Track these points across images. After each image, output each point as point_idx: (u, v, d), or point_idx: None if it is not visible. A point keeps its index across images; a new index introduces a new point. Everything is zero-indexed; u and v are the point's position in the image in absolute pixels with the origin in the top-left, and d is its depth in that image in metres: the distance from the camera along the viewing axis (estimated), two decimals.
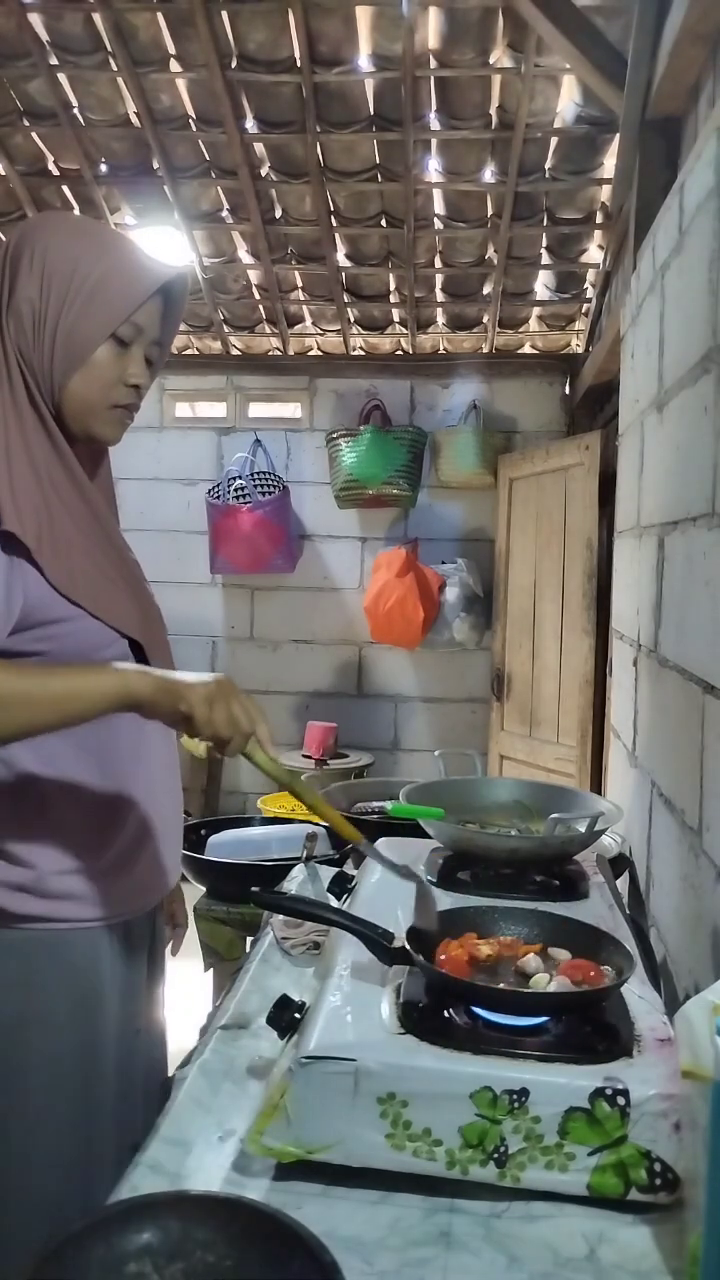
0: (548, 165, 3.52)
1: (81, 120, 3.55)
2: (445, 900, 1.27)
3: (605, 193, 3.55)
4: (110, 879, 1.23)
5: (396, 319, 4.53)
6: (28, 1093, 1.17)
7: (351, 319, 4.52)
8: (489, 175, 3.59)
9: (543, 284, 4.23)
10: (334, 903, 1.40)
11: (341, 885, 1.53)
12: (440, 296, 4.34)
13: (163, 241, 3.97)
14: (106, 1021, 1.22)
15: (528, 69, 3.07)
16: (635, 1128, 0.87)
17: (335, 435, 4.51)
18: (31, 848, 1.18)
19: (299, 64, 3.20)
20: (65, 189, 3.91)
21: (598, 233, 3.83)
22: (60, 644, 1.15)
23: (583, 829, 1.42)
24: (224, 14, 3.07)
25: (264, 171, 3.71)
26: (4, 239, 1.23)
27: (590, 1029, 0.97)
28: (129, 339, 1.21)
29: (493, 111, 3.34)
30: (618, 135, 2.83)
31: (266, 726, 1.12)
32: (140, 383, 1.23)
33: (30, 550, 1.12)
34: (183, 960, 1.69)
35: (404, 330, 4.57)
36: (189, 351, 4.82)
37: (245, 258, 4.19)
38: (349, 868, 1.69)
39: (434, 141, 3.49)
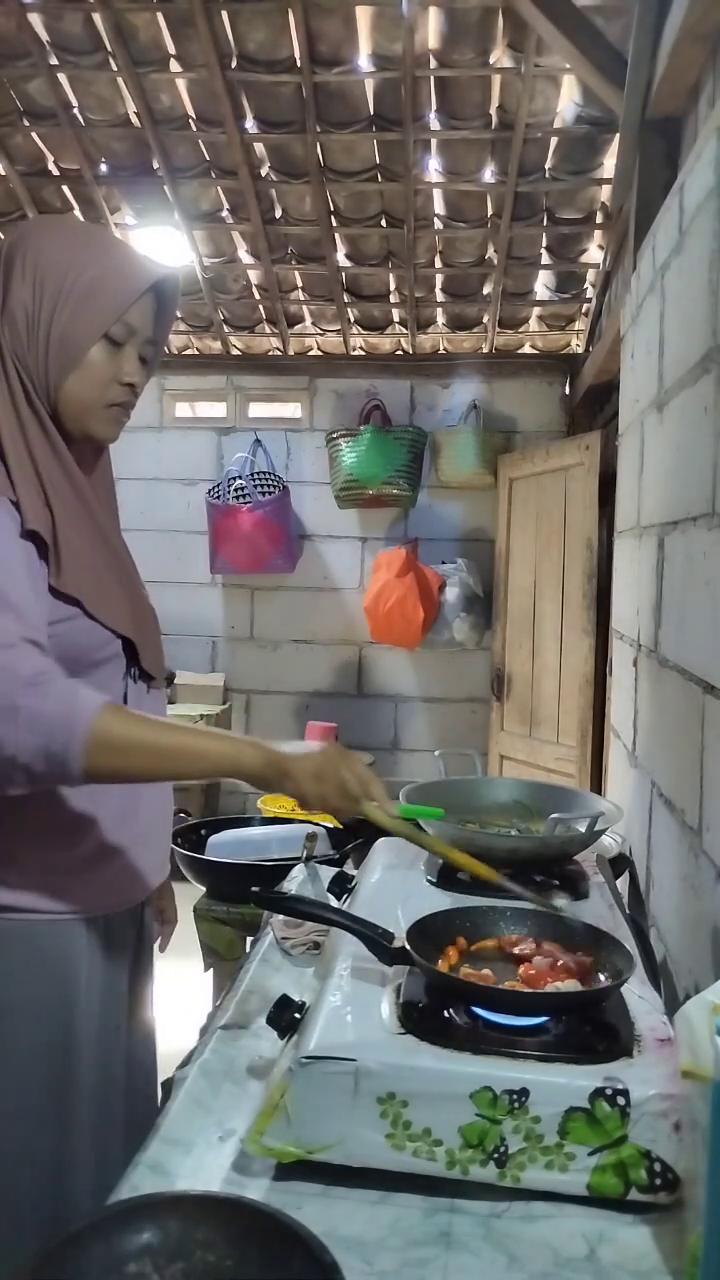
0: (548, 165, 3.52)
1: (81, 120, 3.55)
2: (445, 900, 1.27)
3: (605, 193, 3.55)
4: (86, 873, 1.22)
5: (396, 319, 4.53)
6: None
7: (351, 319, 4.52)
8: (489, 175, 3.60)
9: (543, 284, 4.23)
10: (334, 903, 1.40)
11: (341, 885, 1.53)
12: (440, 296, 4.34)
13: (163, 241, 3.97)
14: (82, 1016, 1.22)
15: (528, 69, 3.08)
16: (635, 1128, 0.87)
17: (335, 435, 4.51)
18: (4, 839, 1.18)
19: (299, 64, 3.20)
20: (65, 189, 3.92)
21: (598, 233, 3.83)
22: (57, 642, 1.15)
23: (583, 829, 1.42)
24: (224, 14, 3.08)
25: (264, 171, 3.71)
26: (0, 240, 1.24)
27: (590, 1029, 0.97)
28: (122, 339, 1.22)
29: (493, 111, 3.34)
30: (618, 135, 2.83)
31: (380, 786, 1.17)
32: (135, 381, 1.25)
33: (47, 549, 1.14)
34: (183, 960, 1.69)
35: (404, 330, 4.57)
36: (189, 351, 4.82)
37: (245, 258, 4.19)
38: (349, 868, 1.69)
39: (434, 141, 3.49)
